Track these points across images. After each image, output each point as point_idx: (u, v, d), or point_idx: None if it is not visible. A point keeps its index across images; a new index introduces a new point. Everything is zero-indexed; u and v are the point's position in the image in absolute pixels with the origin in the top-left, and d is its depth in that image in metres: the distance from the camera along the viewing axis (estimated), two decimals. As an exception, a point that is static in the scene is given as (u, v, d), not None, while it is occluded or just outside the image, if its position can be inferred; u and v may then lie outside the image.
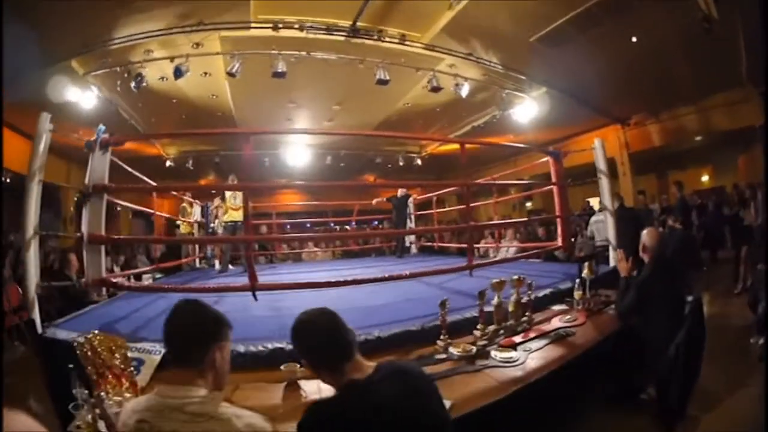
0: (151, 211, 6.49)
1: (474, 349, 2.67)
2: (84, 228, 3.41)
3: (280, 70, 6.41)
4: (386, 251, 9.57)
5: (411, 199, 8.42)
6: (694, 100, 8.93)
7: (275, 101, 8.27)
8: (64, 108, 6.28)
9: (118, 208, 6.15)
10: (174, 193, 8.69)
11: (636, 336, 3.16)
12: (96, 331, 2.10)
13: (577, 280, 3.73)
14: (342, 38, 6.19)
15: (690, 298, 3.21)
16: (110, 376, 1.94)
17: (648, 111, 9.79)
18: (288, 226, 12.72)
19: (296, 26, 5.95)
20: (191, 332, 1.39)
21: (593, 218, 7.23)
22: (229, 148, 10.43)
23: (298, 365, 2.26)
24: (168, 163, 10.83)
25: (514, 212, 14.89)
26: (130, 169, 4.57)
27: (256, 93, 7.77)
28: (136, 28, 5.69)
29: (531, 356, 2.61)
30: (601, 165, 5.13)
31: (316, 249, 9.46)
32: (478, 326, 2.94)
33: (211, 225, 7.51)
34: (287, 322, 1.55)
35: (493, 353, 2.62)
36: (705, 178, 12.12)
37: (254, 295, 3.34)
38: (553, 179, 5.36)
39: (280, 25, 5.92)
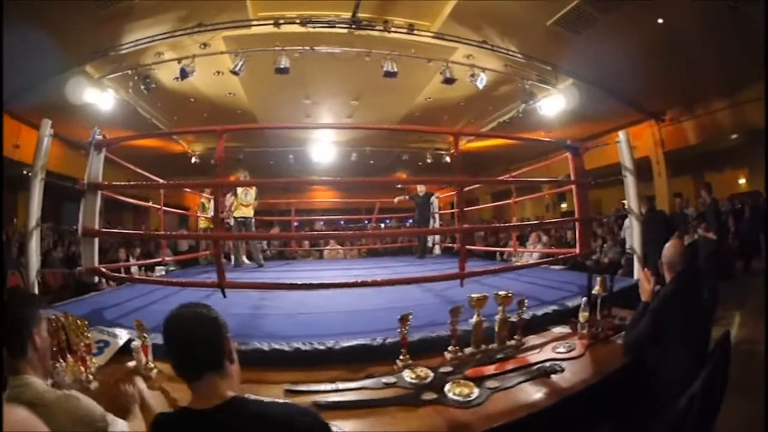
0: (158, 206, 6.18)
1: (431, 376, 2.13)
2: (79, 222, 3.51)
3: (282, 66, 6.19)
4: (413, 251, 9.00)
5: (434, 198, 7.70)
6: (727, 93, 8.00)
7: (291, 98, 7.99)
8: (87, 109, 6.51)
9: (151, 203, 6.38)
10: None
11: (645, 373, 2.41)
12: (66, 312, 2.21)
13: (583, 299, 2.94)
14: (345, 31, 5.77)
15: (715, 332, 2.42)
16: (70, 352, 2.06)
17: (682, 105, 8.80)
18: (297, 224, 11.99)
19: (297, 21, 5.67)
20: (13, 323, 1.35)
21: (626, 222, 6.51)
22: (254, 145, 10.27)
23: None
24: (193, 160, 10.80)
25: (547, 213, 13.84)
26: (130, 166, 4.57)
27: (269, 90, 7.55)
28: (141, 33, 5.69)
29: (495, 397, 1.96)
30: (627, 161, 4.33)
31: (338, 247, 9.04)
32: (449, 348, 2.43)
33: (227, 221, 7.37)
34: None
35: (447, 387, 2.00)
36: (742, 180, 10.80)
37: (223, 293, 3.18)
38: (572, 176, 4.56)
39: (282, 21, 5.69)
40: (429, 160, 12.03)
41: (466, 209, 7.84)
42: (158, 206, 5.97)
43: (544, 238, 7.95)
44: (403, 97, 8.13)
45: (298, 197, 12.38)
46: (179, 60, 6.34)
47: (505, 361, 2.46)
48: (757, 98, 7.39)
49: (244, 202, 6.48)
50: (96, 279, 4.22)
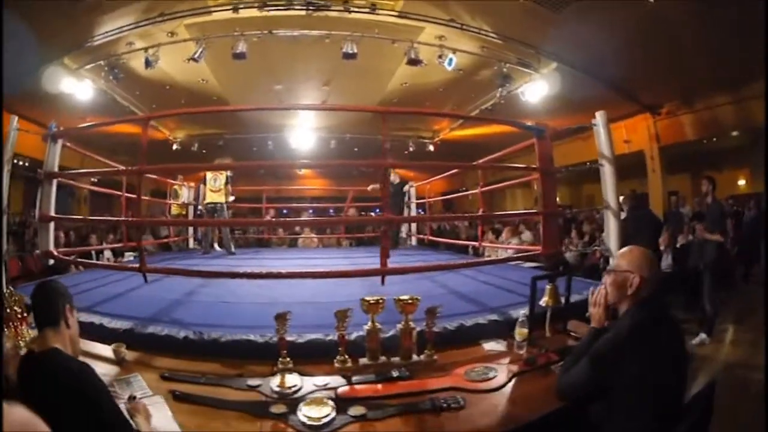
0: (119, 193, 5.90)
1: (296, 387, 1.78)
2: (37, 209, 3.68)
3: (239, 51, 5.89)
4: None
5: (408, 186, 7.15)
6: (730, 88, 7.19)
7: (262, 84, 7.65)
8: (72, 99, 6.79)
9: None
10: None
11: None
12: (10, 287, 2.43)
13: (522, 312, 2.30)
14: (303, 13, 5.40)
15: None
16: (11, 323, 2.08)
17: (680, 98, 8.02)
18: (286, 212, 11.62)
19: (255, 5, 5.41)
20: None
21: None
22: (234, 132, 9.94)
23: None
24: (174, 147, 10.55)
25: (536, 206, 13.16)
26: (90, 154, 4.65)
27: (238, 76, 7.31)
28: (111, 25, 5.75)
29: (350, 428, 1.53)
30: (604, 148, 3.64)
31: (312, 236, 8.62)
32: (338, 357, 1.99)
33: (200, 208, 7.08)
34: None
35: (301, 406, 1.61)
36: (742, 182, 10.09)
37: (144, 278, 3.25)
38: (537, 163, 3.80)
39: (241, 6, 5.47)
40: (411, 148, 11.46)
41: (434, 199, 7.32)
42: (121, 193, 5.65)
43: (526, 234, 7.28)
44: (375, 81, 7.62)
45: (277, 185, 11.89)
46: (146, 49, 6.28)
47: (394, 381, 1.94)
48: (761, 95, 6.66)
49: (213, 188, 6.17)
50: (50, 261, 4.22)
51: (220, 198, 6.14)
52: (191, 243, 7.43)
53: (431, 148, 11.59)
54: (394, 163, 3.71)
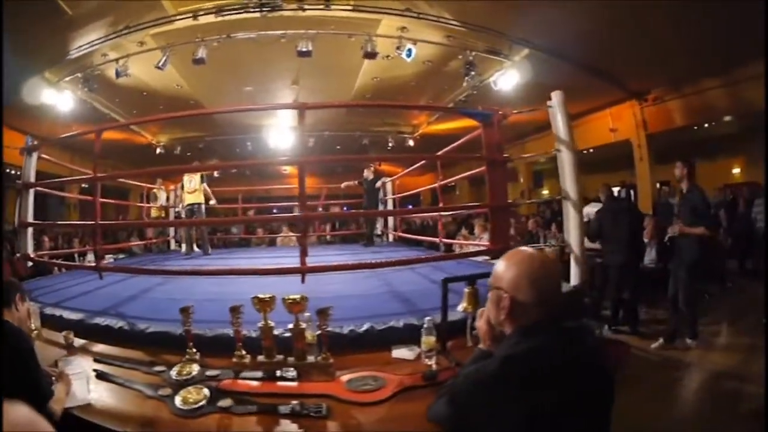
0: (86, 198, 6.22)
1: (191, 375, 1.91)
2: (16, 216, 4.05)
3: (198, 57, 6.09)
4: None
5: (382, 182, 7.06)
6: (721, 71, 6.92)
7: (231, 86, 7.78)
8: (56, 109, 7.17)
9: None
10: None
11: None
12: None
13: (428, 318, 2.07)
14: (258, 15, 5.49)
15: None
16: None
17: (668, 83, 7.76)
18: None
19: (213, 11, 5.59)
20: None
21: (585, 210, 5.66)
22: (214, 134, 10.15)
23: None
24: (158, 151, 10.75)
25: (522, 199, 12.88)
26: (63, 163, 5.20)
27: (208, 81, 7.51)
28: (85, 39, 6.08)
29: (213, 417, 1.63)
30: (561, 132, 3.40)
31: (290, 234, 8.67)
32: (236, 352, 2.03)
33: (177, 209, 7.22)
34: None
35: (181, 392, 1.76)
36: (736, 170, 9.77)
37: (100, 276, 3.62)
38: (484, 152, 3.68)
39: (201, 13, 5.65)
40: (391, 144, 11.39)
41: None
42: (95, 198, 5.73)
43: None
44: (343, 78, 7.63)
45: (264, 185, 11.96)
46: (117, 60, 6.59)
47: (274, 381, 1.93)
48: (756, 77, 6.38)
49: (189, 190, 6.38)
50: (29, 264, 4.53)
51: (197, 199, 6.31)
52: (173, 244, 7.61)
53: (411, 142, 11.54)
54: (303, 159, 3.61)
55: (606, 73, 7.40)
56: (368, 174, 6.89)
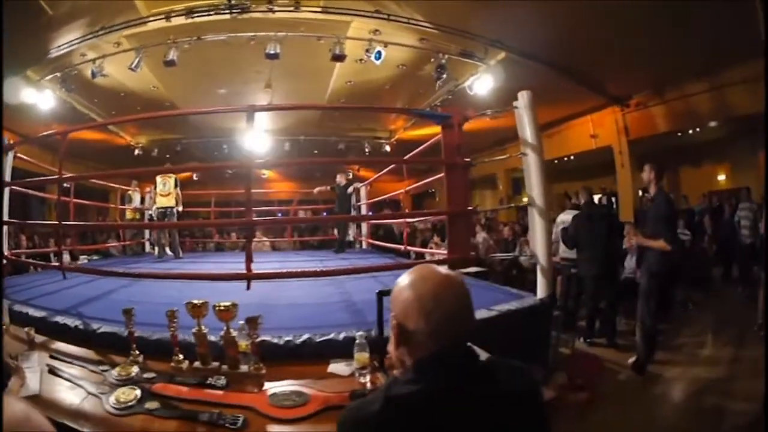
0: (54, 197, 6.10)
1: (129, 376, 1.95)
2: None
3: (169, 59, 6.13)
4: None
5: (353, 187, 7.00)
6: (705, 75, 6.93)
7: (205, 88, 7.82)
8: (36, 108, 7.22)
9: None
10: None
11: None
12: None
13: (359, 333, 2.00)
14: (228, 16, 5.54)
15: None
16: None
17: (651, 88, 7.80)
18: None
19: (184, 13, 5.65)
20: None
21: (560, 217, 5.46)
22: (190, 137, 10.23)
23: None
24: (137, 152, 10.80)
25: (500, 206, 12.87)
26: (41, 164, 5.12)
27: (182, 83, 7.57)
28: (64, 39, 6.16)
29: (139, 417, 1.67)
30: (528, 134, 3.23)
31: (264, 239, 8.84)
32: (173, 357, 2.09)
33: (149, 212, 7.27)
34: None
35: (116, 392, 1.79)
36: (722, 177, 9.66)
37: (63, 275, 3.80)
38: (442, 155, 3.57)
39: (173, 15, 5.70)
40: (367, 150, 11.39)
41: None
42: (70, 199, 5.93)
43: (482, 235, 7.18)
44: (316, 81, 7.66)
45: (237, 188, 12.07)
46: (94, 60, 6.65)
47: (203, 388, 1.92)
48: (741, 81, 6.46)
49: (162, 193, 6.45)
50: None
51: (170, 202, 6.38)
52: (147, 247, 7.68)
53: (388, 148, 11.51)
54: (249, 164, 3.68)
55: (585, 77, 7.37)
56: (341, 179, 6.92)
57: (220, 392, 1.90)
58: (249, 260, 2.89)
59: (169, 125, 9.41)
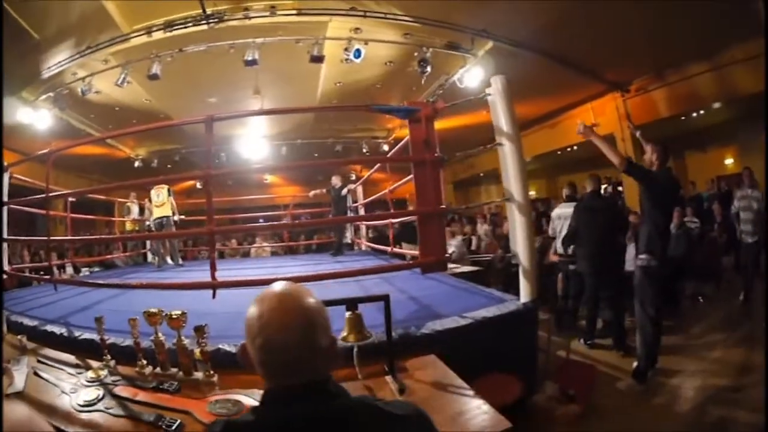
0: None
1: (99, 379, 2.14)
2: None
3: (152, 73, 6.38)
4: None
5: (348, 189, 7.03)
6: (706, 54, 6.77)
7: (196, 99, 8.04)
8: (35, 126, 7.59)
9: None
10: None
11: None
12: None
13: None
14: (206, 27, 5.70)
15: None
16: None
17: (652, 72, 7.67)
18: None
19: (161, 27, 5.84)
20: None
21: (555, 211, 5.16)
22: (188, 146, 10.51)
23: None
24: (137, 164, 11.14)
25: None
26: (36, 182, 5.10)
27: (172, 95, 7.84)
28: (53, 60, 6.50)
29: (95, 415, 1.85)
30: (502, 122, 3.04)
31: (264, 244, 9.10)
32: (138, 362, 2.26)
33: (147, 223, 7.51)
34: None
35: (80, 390, 2.03)
36: (729, 160, 9.33)
37: (55, 287, 4.18)
38: (410, 151, 3.48)
39: (153, 29, 5.91)
40: (365, 150, 11.40)
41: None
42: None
43: (483, 228, 7.16)
44: (303, 84, 7.74)
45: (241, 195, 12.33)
46: (83, 79, 6.96)
47: (157, 392, 2.06)
48: (743, 60, 6.29)
49: (157, 203, 6.71)
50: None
51: (165, 212, 6.64)
52: (149, 257, 7.86)
53: (386, 147, 11.45)
54: (208, 173, 3.61)
55: (580, 64, 7.26)
56: (336, 181, 7.00)
57: (169, 396, 2.01)
58: (213, 269, 2.96)
59: (166, 136, 9.72)
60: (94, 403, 1.93)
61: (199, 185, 12.33)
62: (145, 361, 2.24)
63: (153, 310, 2.22)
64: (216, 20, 5.56)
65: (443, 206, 3.58)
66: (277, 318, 0.82)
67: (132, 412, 1.84)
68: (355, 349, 1.99)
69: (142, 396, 2.00)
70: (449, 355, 2.17)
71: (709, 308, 5.07)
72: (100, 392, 2.00)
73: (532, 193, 13.31)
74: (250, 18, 5.54)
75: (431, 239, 3.30)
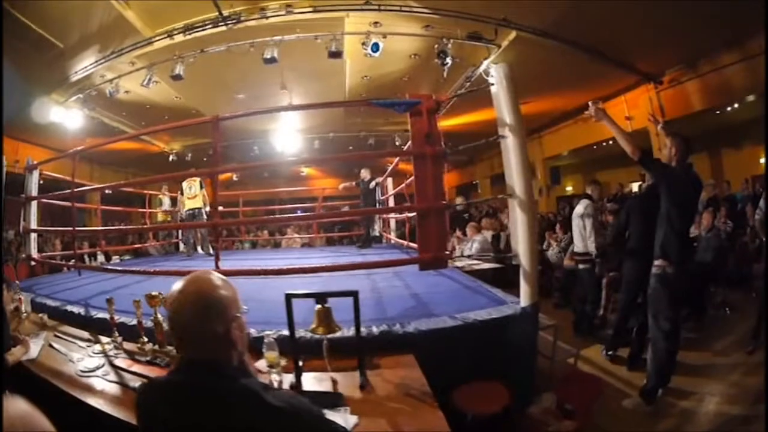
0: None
1: (105, 352, 2.50)
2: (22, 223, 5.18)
3: (176, 74, 6.67)
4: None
5: (375, 182, 7.14)
6: (737, 43, 6.42)
7: (224, 96, 8.34)
8: (71, 125, 8.16)
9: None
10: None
11: None
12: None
13: (267, 333, 2.22)
14: (225, 28, 5.92)
15: None
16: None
17: (684, 62, 7.32)
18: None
19: (181, 31, 6.13)
20: None
21: (577, 209, 4.93)
22: (225, 140, 10.69)
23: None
24: (171, 158, 11.66)
25: (540, 197, 12.26)
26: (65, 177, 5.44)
27: (201, 93, 8.22)
28: (79, 65, 7.00)
29: (93, 380, 2.17)
30: (505, 114, 2.93)
31: (295, 236, 9.46)
32: (140, 339, 2.56)
33: (180, 214, 7.92)
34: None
35: (86, 360, 2.39)
36: (764, 159, 8.63)
37: (79, 273, 4.74)
38: (411, 145, 3.47)
39: (174, 32, 6.21)
40: (398, 143, 11.35)
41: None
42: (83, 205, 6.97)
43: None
44: (329, 79, 7.84)
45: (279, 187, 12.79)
46: (111, 81, 7.43)
47: (151, 365, 2.35)
48: None
49: (189, 196, 7.08)
50: (32, 263, 5.60)
51: (197, 204, 7.03)
52: (181, 246, 8.32)
53: None
54: (214, 170, 3.92)
55: (610, 53, 7.00)
56: (365, 174, 7.14)
57: (159, 369, 2.30)
58: (217, 258, 3.15)
59: (199, 131, 9.98)
60: (94, 371, 2.27)
61: (235, 178, 13.00)
62: (146, 339, 2.52)
63: (154, 293, 2.45)
64: (234, 21, 5.78)
65: (444, 202, 3.43)
66: (177, 300, 1.04)
67: (123, 379, 2.18)
68: (325, 342, 2.03)
69: (136, 368, 2.31)
70: (430, 356, 2.16)
71: (735, 320, 4.68)
72: (100, 362, 2.36)
73: (569, 188, 12.98)
74: (267, 17, 5.72)
75: (430, 235, 3.23)
